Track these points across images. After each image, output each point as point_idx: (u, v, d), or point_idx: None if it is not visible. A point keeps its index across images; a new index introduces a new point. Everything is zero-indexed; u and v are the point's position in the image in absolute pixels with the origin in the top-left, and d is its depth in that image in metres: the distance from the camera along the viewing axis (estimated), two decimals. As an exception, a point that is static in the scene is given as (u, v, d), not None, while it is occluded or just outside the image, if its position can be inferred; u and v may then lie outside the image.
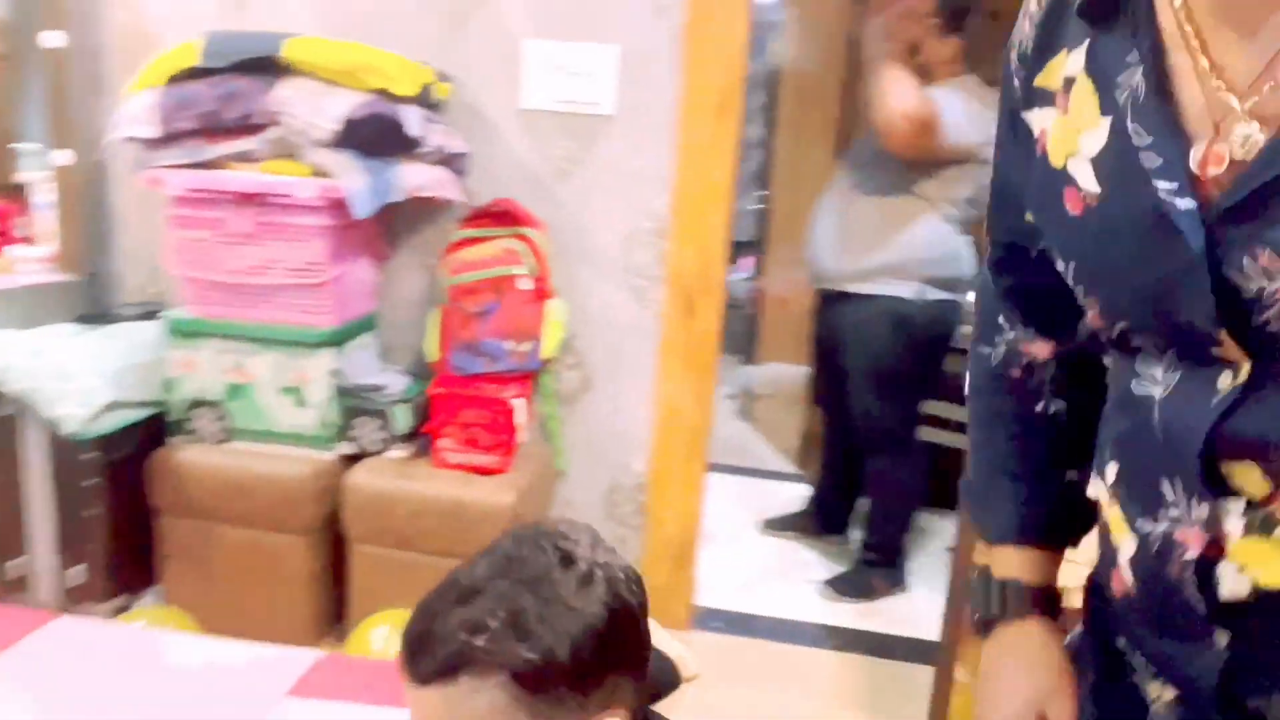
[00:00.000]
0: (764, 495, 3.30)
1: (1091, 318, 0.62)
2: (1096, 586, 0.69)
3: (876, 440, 2.60)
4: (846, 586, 2.63)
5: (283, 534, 2.01)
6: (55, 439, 1.95)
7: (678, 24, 2.09)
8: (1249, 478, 0.53)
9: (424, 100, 1.99)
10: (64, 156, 2.22)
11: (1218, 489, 0.54)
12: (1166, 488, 0.56)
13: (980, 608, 0.75)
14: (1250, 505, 0.53)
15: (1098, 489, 0.65)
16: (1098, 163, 0.58)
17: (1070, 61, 0.62)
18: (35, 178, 2.27)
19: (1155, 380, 0.58)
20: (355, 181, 1.89)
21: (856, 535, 2.87)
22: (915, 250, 2.42)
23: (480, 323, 2.09)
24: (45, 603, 2.03)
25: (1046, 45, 0.64)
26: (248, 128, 1.93)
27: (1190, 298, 0.53)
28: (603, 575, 0.69)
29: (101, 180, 2.33)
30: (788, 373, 3.95)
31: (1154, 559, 0.58)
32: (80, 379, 1.90)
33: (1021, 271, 0.74)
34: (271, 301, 2.00)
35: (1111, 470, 0.63)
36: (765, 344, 4.35)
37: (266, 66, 1.90)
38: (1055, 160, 0.62)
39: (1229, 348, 0.53)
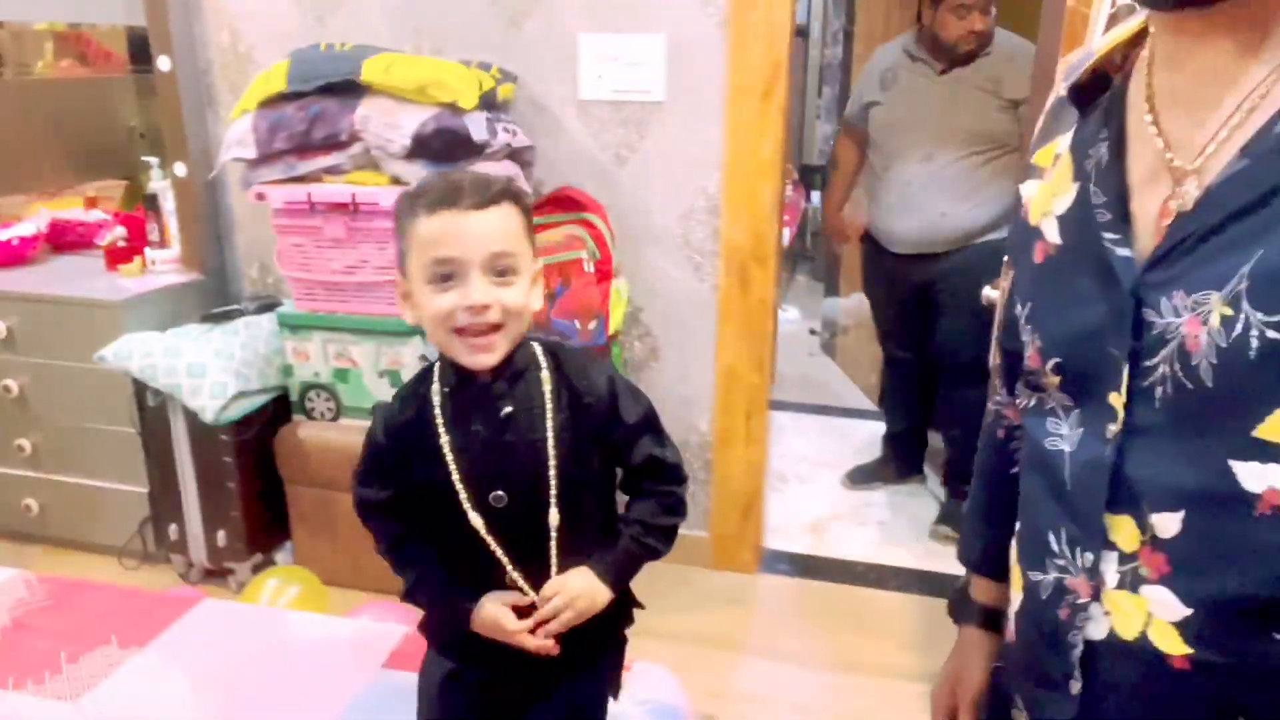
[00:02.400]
0: (841, 435, 3.43)
1: (1030, 357, 0.72)
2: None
3: (966, 370, 2.52)
4: (952, 521, 2.68)
5: (390, 498, 2.31)
6: (196, 423, 2.28)
7: (723, 11, 2.18)
8: (1123, 530, 0.62)
9: (488, 103, 2.17)
10: (180, 169, 2.51)
11: (1103, 540, 0.63)
12: (1052, 539, 0.66)
13: (951, 608, 0.98)
14: (1122, 558, 0.62)
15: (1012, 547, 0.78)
16: (1063, 219, 0.71)
17: (1060, 143, 0.75)
18: (162, 187, 2.57)
19: (1064, 437, 0.68)
20: (429, 189, 2.09)
21: (930, 473, 2.99)
22: (1013, 195, 2.42)
23: (550, 305, 2.29)
24: (198, 560, 2.41)
25: (1047, 132, 0.78)
26: (335, 144, 2.15)
27: (1115, 331, 0.62)
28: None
29: (218, 188, 2.61)
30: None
31: (1042, 605, 0.68)
32: (211, 375, 2.21)
33: (1014, 337, 0.85)
34: (365, 296, 2.25)
35: (1017, 527, 0.74)
36: (847, 274, 4.38)
37: (347, 88, 2.11)
38: (1033, 219, 0.74)
39: (1116, 396, 0.62)
